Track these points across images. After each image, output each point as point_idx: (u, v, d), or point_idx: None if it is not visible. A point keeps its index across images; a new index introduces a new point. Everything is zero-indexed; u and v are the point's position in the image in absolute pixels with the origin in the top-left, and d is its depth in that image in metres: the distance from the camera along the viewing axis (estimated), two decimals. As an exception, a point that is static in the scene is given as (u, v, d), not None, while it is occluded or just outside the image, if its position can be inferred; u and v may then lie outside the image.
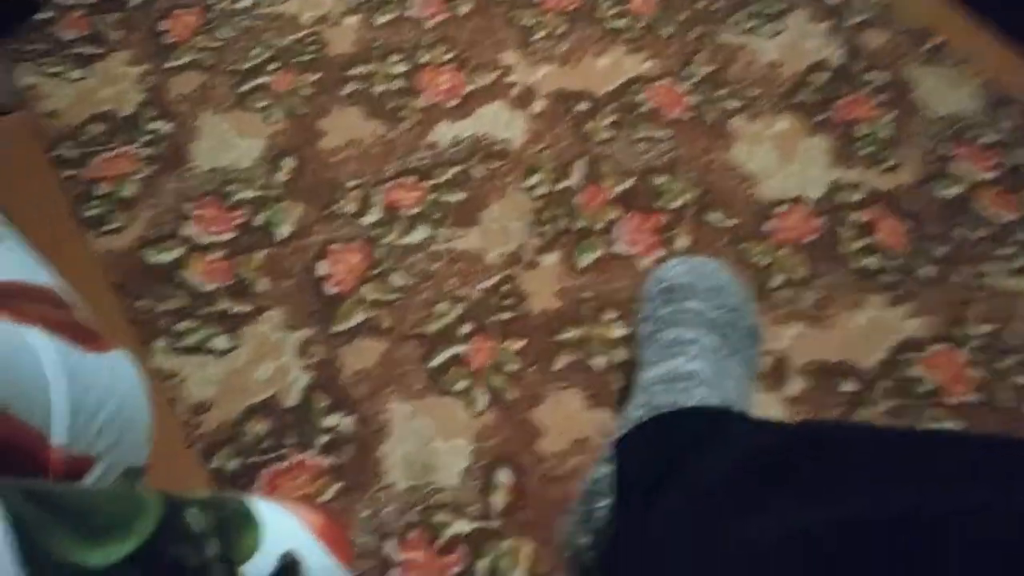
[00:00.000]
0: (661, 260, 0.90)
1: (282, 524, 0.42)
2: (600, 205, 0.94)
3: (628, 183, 0.96)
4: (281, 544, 0.40)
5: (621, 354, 0.85)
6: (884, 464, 0.50)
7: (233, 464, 0.80)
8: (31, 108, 1.02)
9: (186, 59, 1.06)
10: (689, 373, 0.70)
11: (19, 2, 1.08)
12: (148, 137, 0.99)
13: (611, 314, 0.88)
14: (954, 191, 0.96)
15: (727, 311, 0.75)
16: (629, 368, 0.83)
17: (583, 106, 1.01)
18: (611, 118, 1.00)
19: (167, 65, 1.05)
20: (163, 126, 1.00)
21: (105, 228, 0.93)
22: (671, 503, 0.60)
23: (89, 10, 1.10)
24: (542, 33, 1.07)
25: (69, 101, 1.03)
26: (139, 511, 0.35)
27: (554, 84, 1.02)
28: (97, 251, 0.91)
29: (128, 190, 0.95)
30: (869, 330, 0.87)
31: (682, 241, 0.92)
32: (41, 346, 0.44)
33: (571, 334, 0.87)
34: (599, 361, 0.85)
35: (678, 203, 0.94)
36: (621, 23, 1.08)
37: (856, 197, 0.95)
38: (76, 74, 1.05)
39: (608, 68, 1.04)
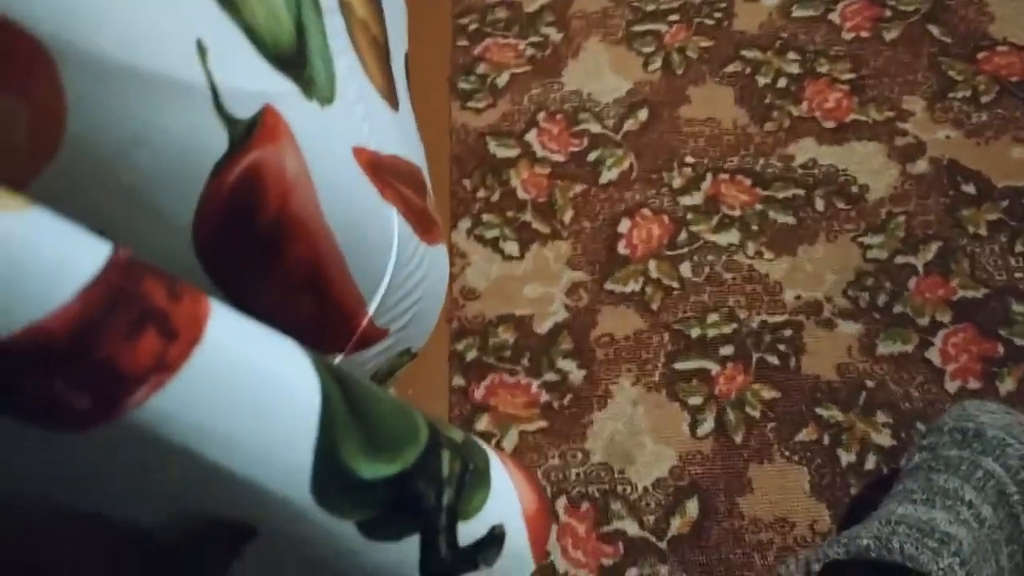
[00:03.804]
0: (975, 392, 0.63)
1: (505, 496, 0.37)
2: (935, 300, 0.68)
3: (978, 293, 0.68)
4: (497, 515, 0.36)
5: (871, 461, 0.62)
6: None
7: (471, 355, 0.73)
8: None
9: (602, -18, 0.90)
10: (946, 535, 0.51)
11: None
12: (537, 39, 0.86)
13: (885, 417, 0.64)
14: None
15: None
16: (870, 479, 0.59)
17: (971, 188, 0.73)
18: (997, 215, 0.71)
19: (583, -19, 0.90)
20: (554, 34, 0.86)
21: (469, 104, 0.87)
22: None
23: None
24: (964, 93, 0.78)
25: (491, -19, 0.92)
26: (411, 437, 0.32)
27: (950, 152, 0.75)
28: (455, 120, 0.85)
29: (501, 79, 0.84)
30: None
31: (1007, 385, 0.64)
32: (395, 228, 0.42)
33: (831, 413, 0.64)
34: (846, 456, 0.62)
35: (1028, 342, 0.66)
36: (1062, 117, 0.76)
37: None
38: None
39: (1021, 162, 0.74)
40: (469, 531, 0.34)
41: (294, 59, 0.34)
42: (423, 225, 0.46)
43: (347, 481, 0.28)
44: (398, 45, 0.53)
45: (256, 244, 0.32)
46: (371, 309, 0.42)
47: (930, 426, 0.60)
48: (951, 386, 0.67)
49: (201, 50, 0.27)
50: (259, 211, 0.31)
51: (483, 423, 0.71)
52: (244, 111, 0.29)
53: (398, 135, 0.46)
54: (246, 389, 0.25)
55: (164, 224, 0.28)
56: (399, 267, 0.43)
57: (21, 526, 0.25)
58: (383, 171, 0.42)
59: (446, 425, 0.35)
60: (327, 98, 0.36)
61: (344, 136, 0.38)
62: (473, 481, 0.34)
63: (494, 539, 0.35)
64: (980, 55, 0.82)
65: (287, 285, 0.36)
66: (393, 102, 0.48)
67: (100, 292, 0.20)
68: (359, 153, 0.40)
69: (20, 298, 0.19)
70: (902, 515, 0.53)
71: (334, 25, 0.40)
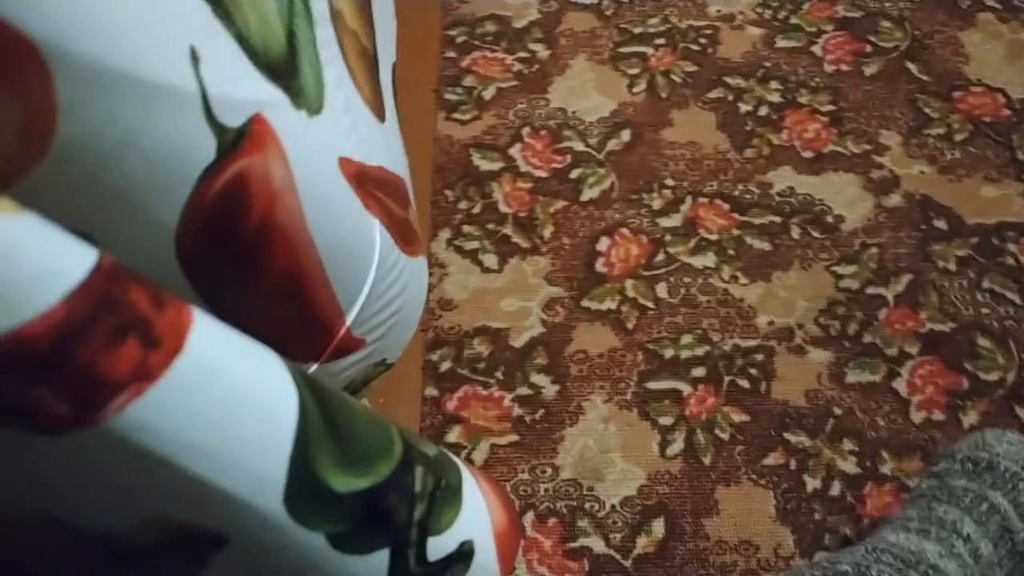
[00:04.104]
0: (939, 424, 0.64)
1: (476, 513, 0.37)
2: (903, 332, 0.69)
3: (946, 326, 0.69)
4: (467, 531, 0.36)
5: (836, 488, 0.63)
6: None
7: (446, 366, 0.73)
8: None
9: (591, 0, 0.90)
10: (934, 568, 0.50)
11: None
12: (525, 54, 0.87)
13: (851, 444, 0.65)
14: None
15: None
16: (834, 507, 0.60)
17: (942, 224, 0.75)
18: (965, 252, 0.73)
19: None
20: (541, 50, 0.87)
21: (455, 115, 0.87)
22: None
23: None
24: (939, 130, 0.80)
25: (479, -6, 0.92)
26: (386, 452, 0.32)
27: (923, 187, 0.76)
28: (439, 131, 0.85)
29: (488, 92, 0.85)
30: None
31: (970, 418, 0.66)
32: (377, 239, 0.42)
33: (799, 439, 0.65)
34: (812, 482, 0.63)
35: (991, 377, 0.67)
36: (1032, 158, 0.79)
37: None
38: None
39: (992, 200, 0.76)
40: (439, 546, 0.34)
41: (285, 68, 0.34)
42: (404, 237, 0.47)
43: (319, 493, 0.28)
44: (386, 56, 0.54)
45: (238, 251, 0.32)
46: (349, 319, 0.42)
47: (943, 451, 0.58)
48: (916, 416, 0.68)
49: (194, 58, 0.27)
50: (243, 219, 0.31)
51: (454, 435, 0.71)
52: (234, 119, 0.30)
53: (384, 146, 0.46)
54: (224, 400, 0.25)
55: (148, 228, 0.28)
56: (379, 278, 0.43)
57: None
58: (368, 182, 0.43)
59: (420, 440, 0.35)
60: (315, 108, 0.37)
61: (331, 147, 0.38)
62: (445, 497, 0.34)
63: (463, 555, 0.35)
64: (956, 94, 0.84)
65: (266, 292, 0.36)
66: (380, 113, 0.48)
67: (84, 299, 0.20)
68: (345, 164, 0.40)
69: (4, 303, 0.19)
70: (891, 543, 0.52)
71: (325, 35, 0.40)
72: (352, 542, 0.30)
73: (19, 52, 0.21)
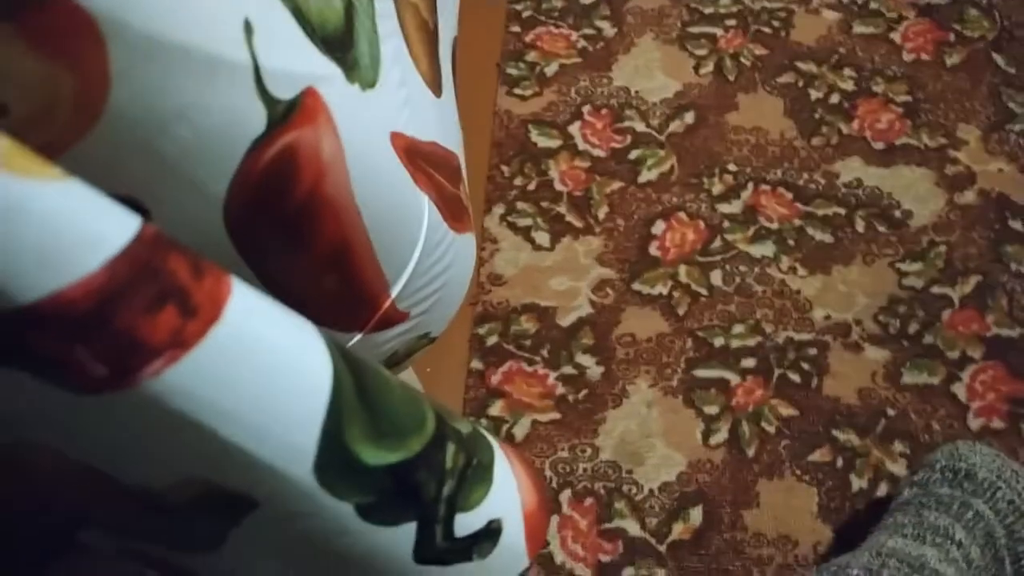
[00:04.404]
0: (997, 432, 0.62)
1: (506, 492, 0.38)
2: (968, 335, 0.67)
3: (1014, 332, 0.67)
4: (496, 510, 0.36)
5: (883, 489, 0.61)
6: None
7: (492, 340, 0.73)
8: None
9: (663, -21, 0.89)
10: (935, 573, 0.51)
11: None
12: (591, 31, 0.86)
13: (903, 446, 0.63)
14: None
15: (1015, 541, 0.54)
16: (881, 508, 0.59)
17: (1018, 225, 0.71)
18: (1043, 253, 0.69)
19: (644, -24, 0.89)
20: (607, 27, 0.86)
21: (516, 90, 0.86)
22: None
23: None
24: (1023, 126, 0.76)
25: (549, -32, 0.91)
26: (418, 427, 0.32)
27: (1001, 185, 0.73)
28: (499, 105, 0.85)
29: (550, 68, 0.84)
30: None
31: (1034, 428, 0.62)
32: (425, 215, 0.42)
33: (848, 437, 0.64)
34: (858, 482, 0.62)
35: (1059, 387, 0.64)
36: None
37: None
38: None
39: (1074, 200, 0.72)
40: (467, 523, 0.35)
41: (340, 41, 0.35)
42: (454, 213, 0.47)
43: (349, 465, 0.29)
44: (447, 30, 0.53)
45: (285, 222, 0.33)
46: (394, 292, 0.42)
47: (922, 462, 0.60)
48: (974, 423, 0.66)
49: (248, 30, 0.27)
50: (291, 190, 0.32)
51: (496, 409, 0.72)
52: (286, 92, 0.30)
53: (438, 122, 0.46)
54: (258, 369, 0.25)
55: (197, 196, 0.29)
56: (426, 253, 0.43)
57: (32, 474, 0.26)
58: (419, 157, 0.43)
59: (455, 416, 0.35)
60: (369, 82, 0.37)
61: (383, 121, 0.38)
62: (476, 475, 0.34)
63: (490, 533, 0.36)
64: (1043, 89, 0.80)
65: (313, 263, 0.37)
66: (436, 88, 0.48)
67: (125, 265, 0.21)
68: (396, 138, 0.40)
69: (48, 266, 0.20)
70: (892, 548, 0.53)
71: (384, 8, 0.40)
72: (380, 513, 0.31)
73: (77, 24, 0.21)
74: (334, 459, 0.28)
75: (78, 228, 0.20)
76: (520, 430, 0.70)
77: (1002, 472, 0.57)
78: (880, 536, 0.55)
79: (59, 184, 0.20)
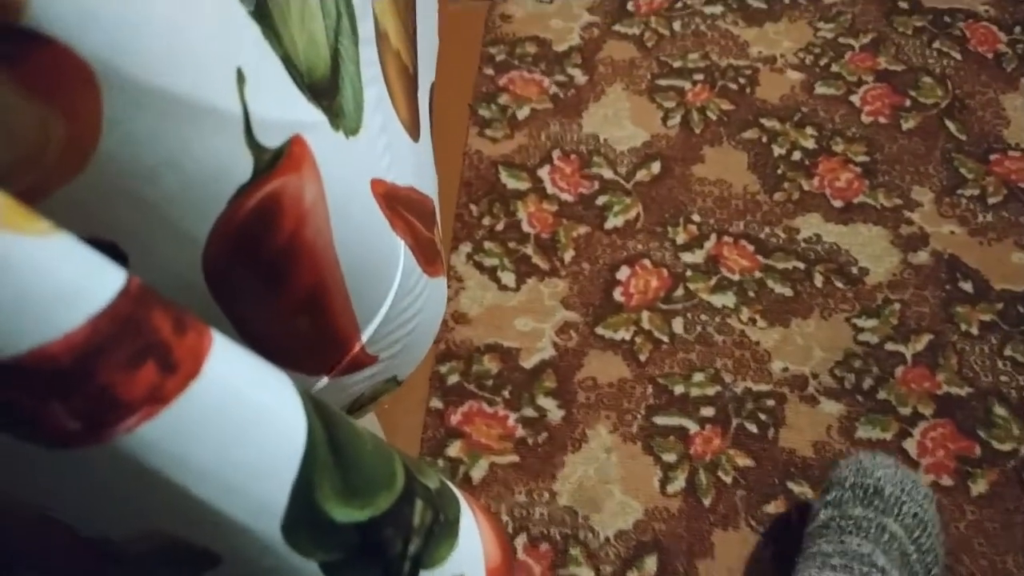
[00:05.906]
0: (947, 490, 0.64)
1: (470, 548, 0.37)
2: (918, 392, 0.68)
3: (962, 391, 0.69)
4: (460, 566, 0.36)
5: (837, 544, 0.61)
6: None
7: (453, 379, 0.73)
8: (493, 3, 0.94)
9: (633, 31, 0.92)
10: None
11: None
12: (563, 78, 0.87)
13: (855, 501, 0.63)
14: None
15: (923, 553, 0.56)
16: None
17: (968, 287, 0.74)
18: (991, 317, 0.72)
19: (616, 28, 0.92)
20: (579, 75, 0.87)
21: (487, 131, 0.87)
22: None
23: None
24: (973, 191, 0.79)
25: (524, 15, 0.96)
26: (388, 484, 0.32)
27: (952, 247, 0.76)
28: (470, 145, 0.86)
29: (522, 112, 0.85)
30: None
31: (979, 487, 0.64)
32: (401, 260, 0.42)
33: (802, 489, 0.64)
34: (811, 535, 0.62)
35: (1005, 447, 0.67)
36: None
37: None
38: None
39: (1021, 267, 0.76)
40: None
41: (327, 89, 0.35)
42: (428, 257, 0.47)
43: (318, 522, 0.28)
44: (426, 75, 0.54)
45: (263, 267, 0.33)
46: (365, 336, 0.42)
47: (831, 479, 0.60)
48: (924, 480, 0.67)
49: (240, 79, 0.27)
50: (272, 236, 0.32)
51: (455, 449, 0.71)
52: (273, 140, 0.30)
53: (415, 167, 0.46)
54: (234, 425, 0.25)
55: (177, 241, 0.29)
56: (399, 298, 0.43)
57: None
58: (397, 203, 0.43)
59: (423, 470, 0.35)
60: (353, 129, 0.37)
61: (364, 167, 0.38)
62: (442, 531, 0.34)
63: None
64: (992, 156, 0.83)
65: (287, 306, 0.36)
66: (415, 132, 0.49)
67: (108, 322, 0.20)
68: (376, 185, 0.40)
69: (30, 321, 0.19)
70: None
71: (368, 55, 0.40)
72: (344, 571, 0.30)
73: (74, 70, 0.21)
74: (303, 517, 0.27)
75: (62, 283, 0.20)
76: (478, 472, 0.70)
77: (904, 484, 0.58)
78: (810, 568, 0.55)
79: (43, 238, 0.20)
